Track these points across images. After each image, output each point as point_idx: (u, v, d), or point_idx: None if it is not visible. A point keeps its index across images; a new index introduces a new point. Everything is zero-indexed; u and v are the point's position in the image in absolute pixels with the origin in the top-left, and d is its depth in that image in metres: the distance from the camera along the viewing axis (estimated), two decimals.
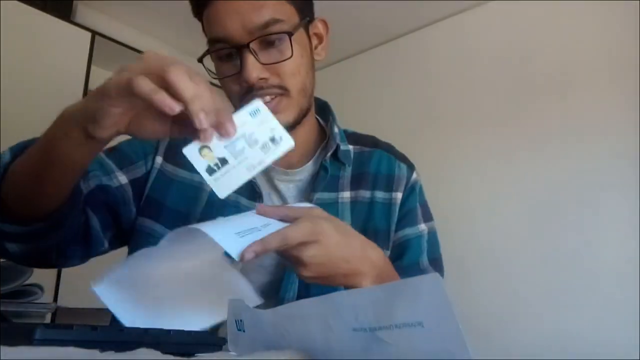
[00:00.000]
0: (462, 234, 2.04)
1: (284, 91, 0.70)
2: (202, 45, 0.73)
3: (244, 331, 0.39)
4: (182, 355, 0.34)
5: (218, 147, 0.51)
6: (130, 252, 0.75)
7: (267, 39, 0.67)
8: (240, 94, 0.70)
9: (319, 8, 0.79)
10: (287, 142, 0.53)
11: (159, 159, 0.77)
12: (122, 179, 0.74)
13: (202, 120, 0.47)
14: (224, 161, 0.51)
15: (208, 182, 0.51)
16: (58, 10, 2.17)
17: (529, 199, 1.93)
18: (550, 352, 1.72)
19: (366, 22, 2.51)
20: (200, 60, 0.72)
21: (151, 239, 0.72)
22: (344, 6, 2.28)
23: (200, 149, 0.51)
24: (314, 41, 0.77)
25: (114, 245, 0.77)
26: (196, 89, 0.46)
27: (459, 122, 2.22)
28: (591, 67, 1.87)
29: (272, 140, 0.53)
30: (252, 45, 0.66)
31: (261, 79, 0.68)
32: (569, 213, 1.81)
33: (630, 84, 1.74)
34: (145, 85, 0.45)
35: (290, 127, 0.72)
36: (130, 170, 0.75)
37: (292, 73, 0.70)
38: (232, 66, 0.70)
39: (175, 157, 0.77)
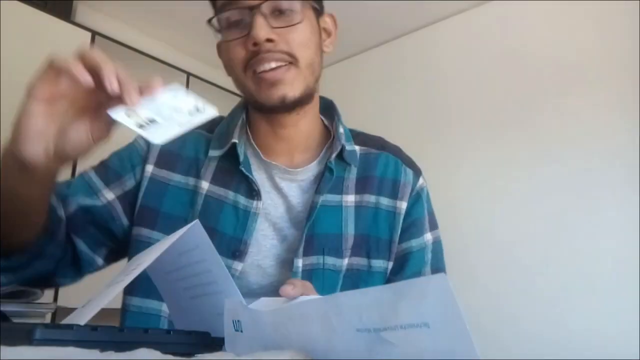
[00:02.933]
0: (461, 234, 2.04)
1: (292, 59, 0.68)
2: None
3: (241, 331, 0.39)
4: (182, 355, 0.34)
5: (144, 111, 0.51)
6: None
7: (278, 5, 0.67)
8: (246, 58, 0.68)
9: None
10: (210, 111, 0.53)
11: (149, 168, 0.75)
12: (109, 195, 0.73)
13: (112, 81, 0.49)
14: (152, 120, 0.51)
15: (140, 133, 0.50)
16: (58, 10, 2.17)
17: (529, 199, 1.93)
18: (551, 352, 1.72)
19: (365, 22, 2.50)
20: (209, 22, 0.71)
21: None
22: (345, 5, 2.28)
23: (127, 113, 0.51)
24: (323, 35, 0.76)
25: (110, 260, 0.76)
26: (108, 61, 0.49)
27: (459, 122, 2.22)
28: (592, 68, 1.87)
29: (197, 109, 0.53)
30: (263, 7, 0.66)
31: (269, 40, 0.66)
32: (569, 213, 1.81)
33: (631, 85, 1.74)
34: (62, 60, 0.49)
35: (297, 103, 0.71)
36: (118, 185, 0.74)
37: (302, 43, 0.69)
38: (240, 31, 0.68)
39: (169, 161, 0.76)
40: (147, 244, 0.71)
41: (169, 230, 0.70)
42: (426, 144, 2.27)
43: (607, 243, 1.71)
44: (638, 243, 1.64)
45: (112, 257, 0.76)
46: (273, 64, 0.67)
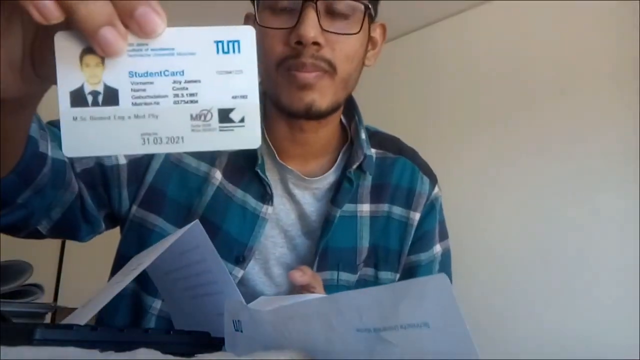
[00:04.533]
0: (461, 234, 2.04)
1: (330, 68, 0.62)
2: None
3: (241, 331, 0.39)
4: (182, 355, 0.34)
5: (117, 69, 0.28)
6: (127, 246, 0.71)
7: (337, 5, 0.60)
8: (283, 55, 0.61)
9: None
10: (250, 135, 0.28)
11: None
12: (121, 158, 0.67)
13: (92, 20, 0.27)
14: (111, 96, 0.28)
15: (61, 117, 0.28)
16: None
17: (529, 199, 1.93)
18: (550, 352, 1.72)
19: None
20: None
21: (154, 236, 0.67)
22: None
23: (85, 54, 0.28)
24: (369, 45, 0.70)
25: (109, 225, 0.72)
26: None
27: (459, 122, 2.22)
28: (592, 67, 1.87)
29: (226, 114, 0.28)
30: (319, 4, 0.58)
31: (315, 43, 0.59)
32: (569, 213, 1.81)
33: (631, 84, 1.74)
34: None
35: (322, 115, 0.65)
36: None
37: (347, 56, 0.62)
38: (284, 21, 0.60)
39: None
40: (151, 231, 0.68)
41: (173, 217, 0.67)
42: (424, 143, 2.26)
43: (607, 242, 1.70)
44: (638, 243, 1.64)
45: (110, 222, 0.72)
46: (310, 70, 0.61)
